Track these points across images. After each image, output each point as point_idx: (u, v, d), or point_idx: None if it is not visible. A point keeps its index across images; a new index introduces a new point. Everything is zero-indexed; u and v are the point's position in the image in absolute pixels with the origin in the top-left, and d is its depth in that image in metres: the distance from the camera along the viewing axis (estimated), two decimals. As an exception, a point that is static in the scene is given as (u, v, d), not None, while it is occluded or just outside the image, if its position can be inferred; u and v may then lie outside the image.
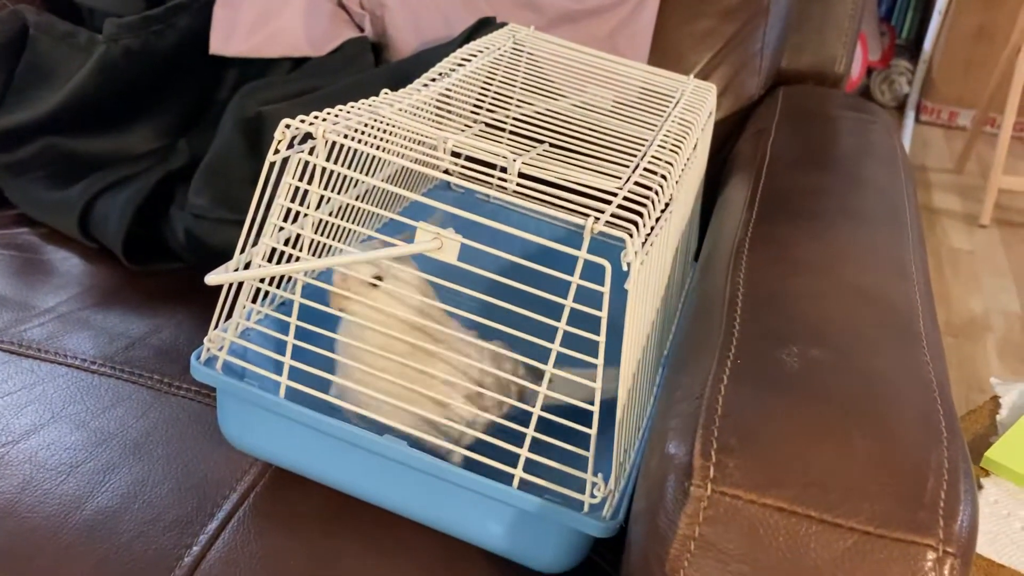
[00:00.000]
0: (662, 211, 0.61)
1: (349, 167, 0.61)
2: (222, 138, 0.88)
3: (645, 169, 0.64)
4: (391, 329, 0.60)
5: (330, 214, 0.67)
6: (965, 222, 2.36)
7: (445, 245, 0.56)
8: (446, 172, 0.82)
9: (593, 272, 0.54)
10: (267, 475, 0.66)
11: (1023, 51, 2.24)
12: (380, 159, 0.74)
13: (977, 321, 1.95)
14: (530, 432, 0.57)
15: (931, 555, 0.44)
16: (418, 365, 0.60)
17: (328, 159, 0.59)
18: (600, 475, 0.58)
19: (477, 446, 0.60)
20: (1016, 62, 2.26)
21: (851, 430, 0.49)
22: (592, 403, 0.56)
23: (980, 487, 0.73)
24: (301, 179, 0.59)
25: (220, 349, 0.63)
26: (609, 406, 0.57)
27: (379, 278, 0.62)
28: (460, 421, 0.61)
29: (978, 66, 2.80)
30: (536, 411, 0.57)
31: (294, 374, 0.61)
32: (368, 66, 0.98)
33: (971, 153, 2.62)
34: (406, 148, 0.60)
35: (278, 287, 0.66)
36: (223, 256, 0.64)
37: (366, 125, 0.61)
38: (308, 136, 0.60)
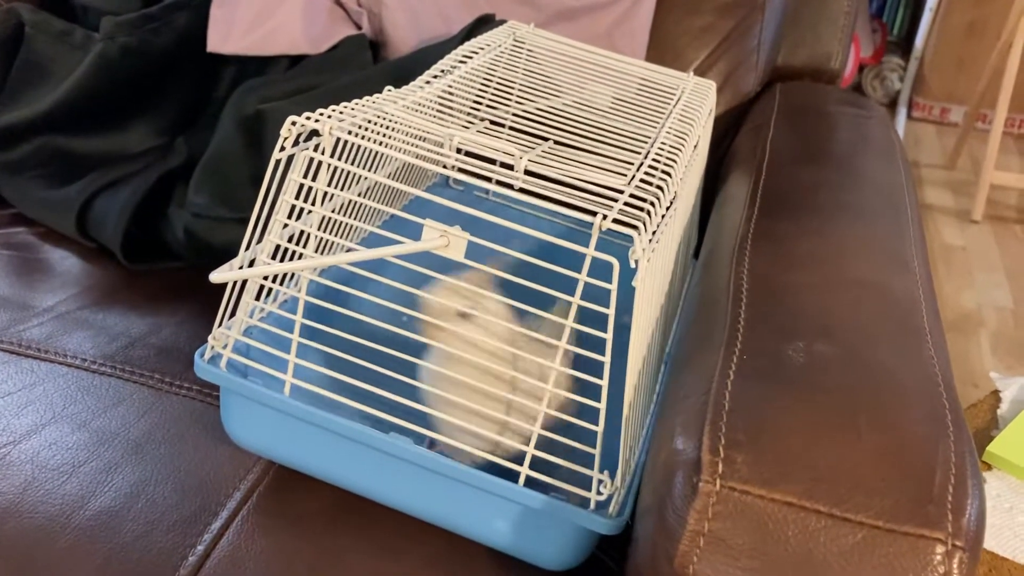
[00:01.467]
0: (667, 207, 0.61)
1: (352, 164, 0.61)
2: (221, 136, 0.88)
3: (649, 166, 0.64)
4: (480, 359, 0.60)
5: (333, 211, 0.67)
6: (957, 218, 2.37)
7: (452, 242, 0.56)
8: (449, 168, 0.82)
9: (599, 269, 0.54)
10: (271, 473, 0.66)
11: (1014, 47, 2.25)
12: (382, 156, 0.74)
13: (970, 316, 1.96)
14: (536, 429, 0.57)
15: (940, 549, 0.44)
16: (496, 390, 0.60)
17: (332, 156, 0.59)
18: (606, 472, 0.58)
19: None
20: (1007, 58, 2.27)
21: (858, 424, 0.49)
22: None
23: (983, 481, 0.74)
24: (306, 176, 0.59)
25: (224, 347, 0.63)
26: (613, 403, 0.57)
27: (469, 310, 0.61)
28: (517, 438, 0.61)
29: (969, 62, 2.81)
30: (543, 409, 0.57)
31: (298, 371, 0.61)
32: (366, 64, 0.98)
33: (963, 149, 2.63)
34: (411, 145, 0.60)
35: (282, 284, 0.65)
36: (223, 255, 0.64)
37: (370, 122, 0.61)
38: (311, 134, 0.59)
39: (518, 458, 0.58)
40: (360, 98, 0.63)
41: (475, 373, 0.60)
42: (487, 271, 0.60)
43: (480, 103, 0.80)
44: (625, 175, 0.60)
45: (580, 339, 0.56)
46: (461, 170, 0.84)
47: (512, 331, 0.61)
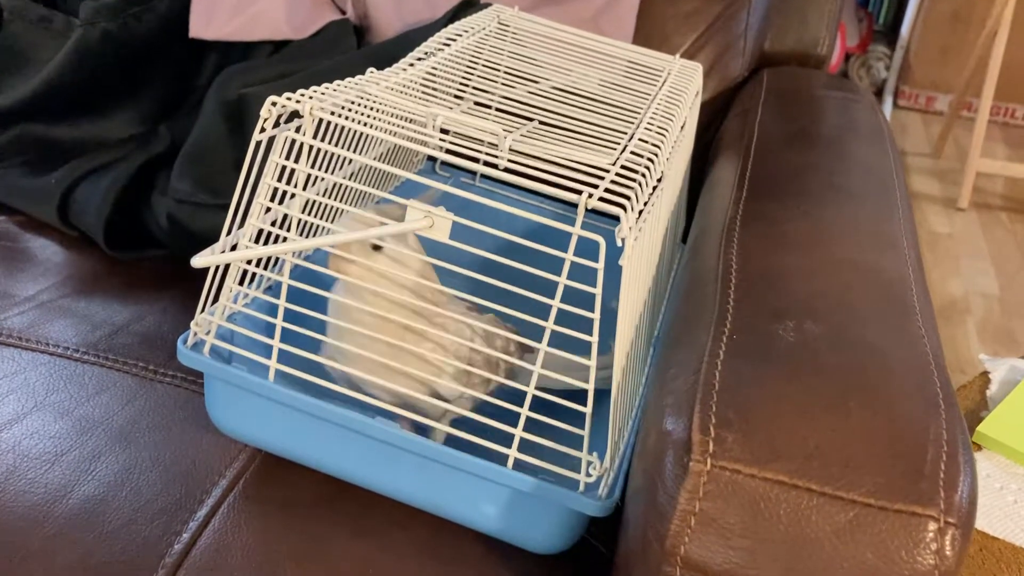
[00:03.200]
0: (654, 187, 0.60)
1: (336, 146, 0.60)
2: (204, 122, 0.87)
3: (635, 146, 0.63)
4: (384, 304, 0.60)
5: (318, 194, 0.66)
6: (944, 206, 2.37)
7: (436, 223, 0.55)
8: (435, 150, 0.81)
9: (586, 249, 0.54)
10: (257, 460, 0.65)
11: (999, 35, 2.25)
12: (368, 138, 0.73)
13: (957, 304, 1.97)
14: (524, 411, 0.57)
15: (932, 526, 0.44)
16: (407, 344, 0.60)
17: (315, 137, 0.58)
18: (595, 454, 0.57)
19: (471, 426, 0.60)
20: (992, 47, 2.27)
21: (849, 402, 0.48)
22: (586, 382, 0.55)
23: (973, 461, 0.74)
24: (288, 158, 0.58)
25: (207, 333, 0.62)
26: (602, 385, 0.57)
27: (378, 247, 0.61)
28: (442, 398, 0.61)
29: (955, 51, 2.81)
30: (530, 391, 0.56)
31: (283, 357, 0.60)
32: (351, 49, 0.97)
33: (949, 137, 2.64)
34: (394, 126, 0.59)
35: (265, 269, 0.64)
36: (206, 241, 0.63)
37: (353, 102, 0.60)
38: (294, 115, 0.59)
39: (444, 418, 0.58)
40: (346, 79, 0.63)
41: (375, 320, 0.60)
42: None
43: (466, 86, 0.79)
44: (611, 155, 0.60)
45: (568, 320, 0.55)
46: (447, 152, 0.83)
47: (418, 282, 0.61)
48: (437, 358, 0.60)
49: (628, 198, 0.54)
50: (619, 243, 0.52)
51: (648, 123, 0.68)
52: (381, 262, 0.60)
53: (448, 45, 0.75)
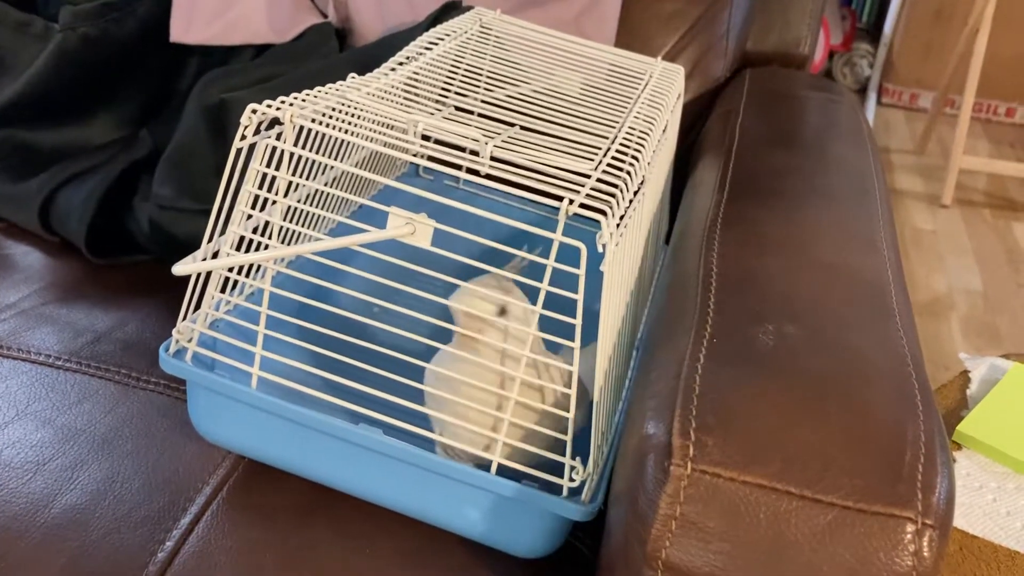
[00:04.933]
0: (635, 192, 0.60)
1: (318, 153, 0.60)
2: (185, 127, 0.86)
3: (617, 151, 0.63)
4: (507, 365, 0.59)
5: (299, 201, 0.66)
6: (927, 202, 2.39)
7: (418, 230, 0.55)
8: (417, 156, 0.81)
9: (568, 255, 0.54)
10: (240, 468, 0.65)
11: (980, 32, 2.26)
12: (349, 144, 0.73)
13: (940, 300, 1.98)
14: (507, 417, 0.57)
15: (910, 528, 0.44)
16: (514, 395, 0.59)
17: (296, 144, 0.58)
18: (578, 458, 0.57)
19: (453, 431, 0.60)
20: (974, 43, 2.29)
21: (828, 405, 0.49)
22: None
23: (953, 461, 0.74)
24: (269, 165, 0.58)
25: (189, 341, 0.62)
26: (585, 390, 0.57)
27: (502, 311, 0.60)
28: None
29: (937, 48, 2.83)
30: (513, 396, 0.57)
31: (265, 364, 0.60)
32: (332, 52, 0.97)
33: (932, 134, 2.65)
34: (376, 132, 0.59)
35: (247, 276, 0.64)
36: (189, 247, 0.63)
37: (334, 109, 0.60)
38: (275, 122, 0.58)
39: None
40: (324, 86, 0.63)
41: (493, 377, 0.59)
42: (503, 274, 0.59)
43: (448, 90, 0.79)
44: (593, 160, 0.60)
45: (550, 326, 0.55)
46: (428, 158, 0.83)
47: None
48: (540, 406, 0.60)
49: (609, 204, 0.54)
50: (600, 249, 0.53)
51: (630, 127, 0.68)
52: (500, 336, 0.60)
53: (430, 49, 0.75)
